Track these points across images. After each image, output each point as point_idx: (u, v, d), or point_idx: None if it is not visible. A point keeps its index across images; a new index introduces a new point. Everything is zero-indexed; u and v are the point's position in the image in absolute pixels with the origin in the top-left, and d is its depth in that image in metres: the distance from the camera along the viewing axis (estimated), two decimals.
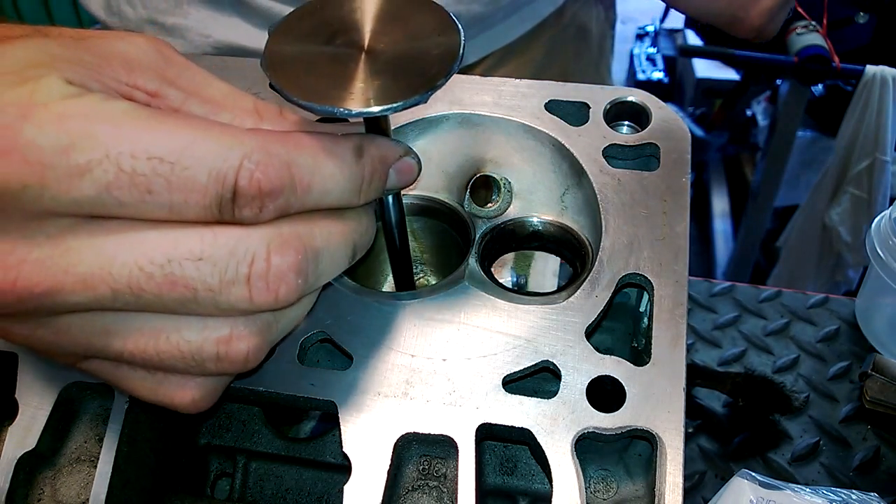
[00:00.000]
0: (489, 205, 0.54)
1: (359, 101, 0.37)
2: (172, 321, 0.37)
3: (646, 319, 0.51)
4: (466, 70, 0.95)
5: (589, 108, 0.54)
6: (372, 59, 0.39)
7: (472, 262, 0.50)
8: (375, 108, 0.37)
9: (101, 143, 0.33)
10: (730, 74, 2.93)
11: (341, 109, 0.37)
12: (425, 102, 0.38)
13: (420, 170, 0.44)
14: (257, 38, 0.89)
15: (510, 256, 0.58)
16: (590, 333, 0.45)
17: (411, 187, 0.56)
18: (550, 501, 0.40)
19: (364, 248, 0.42)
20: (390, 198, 0.47)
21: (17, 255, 0.34)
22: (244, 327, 0.37)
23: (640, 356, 0.46)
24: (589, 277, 0.47)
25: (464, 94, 0.56)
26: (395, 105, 0.37)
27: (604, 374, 0.43)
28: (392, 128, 0.45)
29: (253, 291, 0.36)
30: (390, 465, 0.41)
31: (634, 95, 0.55)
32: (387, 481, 0.41)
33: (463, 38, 0.39)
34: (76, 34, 0.38)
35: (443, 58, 0.38)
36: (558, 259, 0.57)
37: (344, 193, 0.39)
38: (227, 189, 0.34)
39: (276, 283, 0.36)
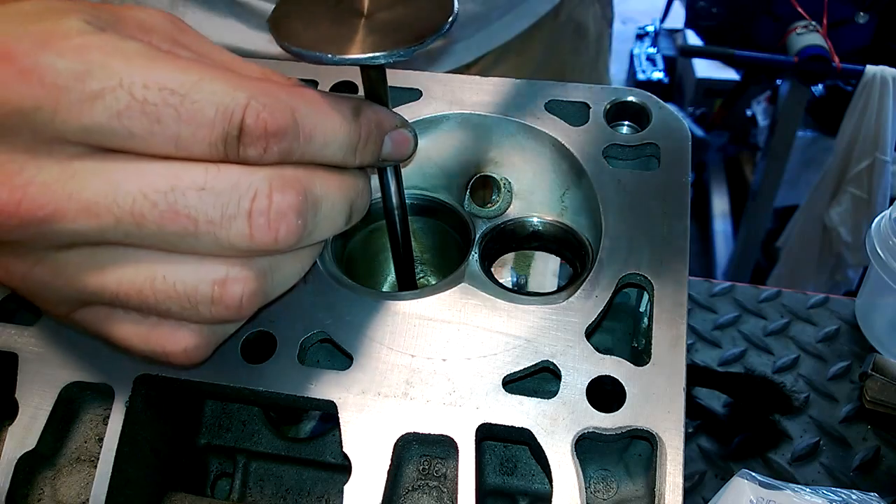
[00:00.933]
0: (489, 205, 0.54)
1: (348, 50, 0.39)
2: (170, 259, 0.37)
3: (646, 319, 0.51)
4: (463, 70, 0.95)
5: (589, 108, 0.54)
6: (369, 22, 0.40)
7: (473, 262, 0.50)
8: (361, 55, 0.38)
9: (115, 72, 0.34)
10: (730, 74, 2.93)
11: (327, 55, 0.38)
12: (408, 57, 0.39)
13: (416, 144, 0.45)
14: (253, 40, 0.88)
15: (510, 256, 0.58)
16: (590, 333, 0.45)
17: (407, 182, 0.56)
18: (550, 501, 0.40)
19: (360, 211, 0.43)
20: (391, 175, 0.47)
21: (25, 176, 0.35)
22: (241, 270, 0.38)
23: (640, 356, 0.46)
24: (589, 277, 0.47)
25: (464, 94, 0.56)
26: (378, 54, 0.38)
27: (604, 374, 0.43)
28: None
29: (253, 227, 0.36)
30: (390, 465, 0.41)
31: (634, 95, 0.55)
32: (387, 481, 0.41)
33: (457, 8, 0.41)
34: (92, 3, 0.40)
35: (434, 21, 0.40)
36: (558, 259, 0.57)
37: (341, 149, 0.40)
38: (233, 126, 0.35)
39: (277, 221, 0.36)
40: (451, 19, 0.41)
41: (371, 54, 0.39)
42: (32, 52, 0.34)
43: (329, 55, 0.38)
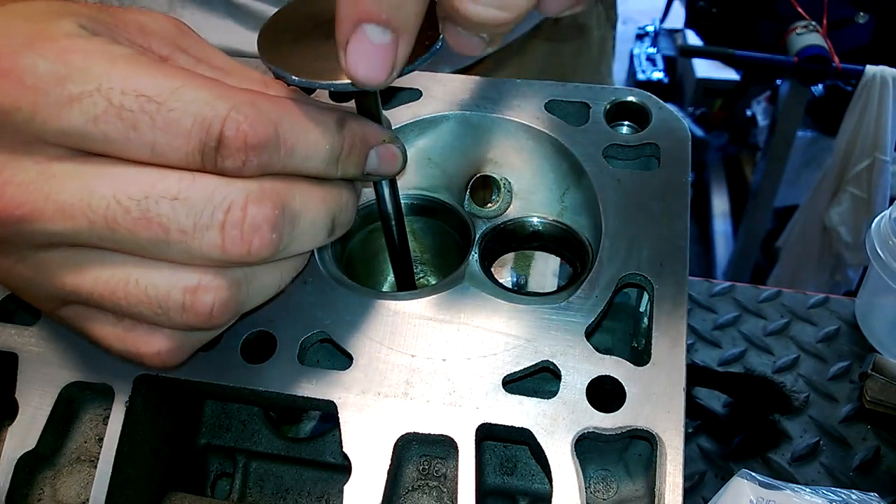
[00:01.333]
0: (489, 205, 0.54)
1: (329, 76, 0.38)
2: (143, 265, 0.37)
3: (646, 319, 0.51)
4: (466, 71, 0.95)
5: (589, 108, 0.54)
6: None
7: (473, 262, 0.50)
8: (337, 81, 0.37)
9: (95, 77, 0.34)
10: (730, 74, 2.93)
11: (293, 77, 0.38)
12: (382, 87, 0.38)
13: (405, 161, 0.45)
14: (251, 41, 0.88)
15: (510, 256, 0.58)
16: (590, 333, 0.45)
17: (407, 182, 0.56)
18: (550, 501, 0.40)
19: (343, 224, 0.42)
20: (386, 189, 0.47)
21: (4, 175, 0.35)
22: (213, 278, 0.38)
23: (640, 356, 0.46)
24: (589, 277, 0.47)
25: (464, 94, 0.56)
26: (346, 82, 0.37)
27: (604, 374, 0.43)
28: (393, 127, 0.45)
29: (226, 239, 0.36)
30: (390, 465, 0.41)
31: (634, 95, 0.55)
32: (387, 481, 0.41)
33: (440, 44, 0.40)
34: (98, 5, 0.40)
35: (420, 44, 0.39)
36: (558, 259, 0.57)
37: (322, 162, 0.39)
38: (211, 137, 0.35)
39: (251, 234, 0.36)
40: (428, 54, 0.39)
41: (342, 81, 0.37)
42: (16, 52, 0.34)
43: (295, 77, 0.38)
